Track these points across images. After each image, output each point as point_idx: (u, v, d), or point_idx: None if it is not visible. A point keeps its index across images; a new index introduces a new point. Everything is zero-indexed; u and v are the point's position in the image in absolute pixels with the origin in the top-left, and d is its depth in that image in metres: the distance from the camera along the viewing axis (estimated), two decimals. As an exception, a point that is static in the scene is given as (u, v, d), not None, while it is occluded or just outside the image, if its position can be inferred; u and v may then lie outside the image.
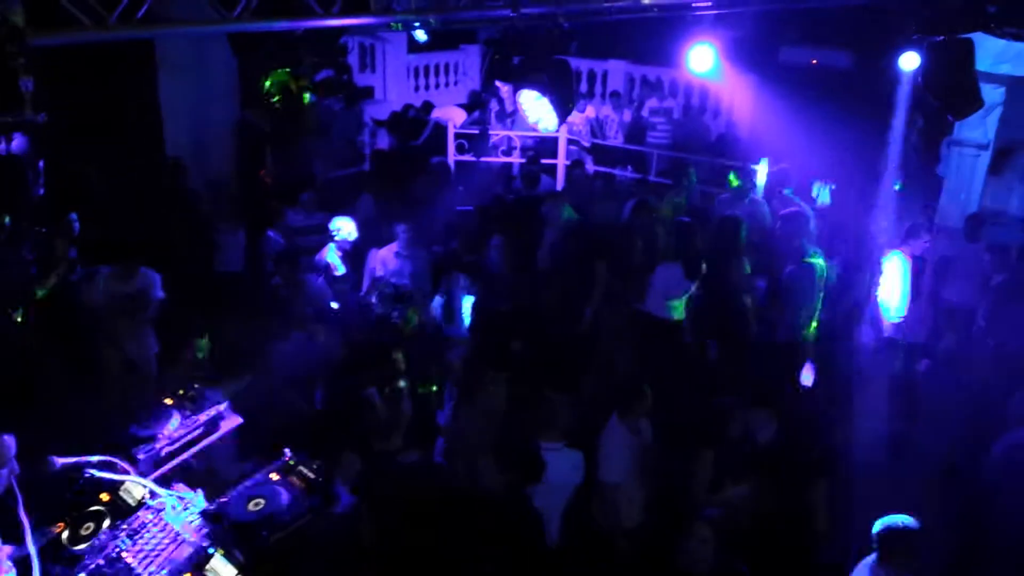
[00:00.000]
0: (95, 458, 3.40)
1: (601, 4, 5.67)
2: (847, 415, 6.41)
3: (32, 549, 3.00)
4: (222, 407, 3.82)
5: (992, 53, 8.45)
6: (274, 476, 3.28)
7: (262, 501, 3.15)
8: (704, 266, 7.27)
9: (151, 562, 3.04)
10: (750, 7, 6.93)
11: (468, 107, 15.01)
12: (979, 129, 10.02)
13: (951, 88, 6.13)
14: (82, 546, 3.17)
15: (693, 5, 5.96)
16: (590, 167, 13.21)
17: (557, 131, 11.63)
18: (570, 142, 13.41)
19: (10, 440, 3.41)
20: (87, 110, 8.30)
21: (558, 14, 5.75)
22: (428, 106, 14.24)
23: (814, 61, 13.74)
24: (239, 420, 4.97)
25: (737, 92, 13.81)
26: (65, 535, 3.22)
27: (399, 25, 6.10)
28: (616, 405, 5.55)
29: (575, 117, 13.84)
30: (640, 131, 13.63)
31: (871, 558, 4.61)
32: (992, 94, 9.62)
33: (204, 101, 10.44)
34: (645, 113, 13.82)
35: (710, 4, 6.00)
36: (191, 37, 8.31)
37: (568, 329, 7.60)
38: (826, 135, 10.17)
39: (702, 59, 8.12)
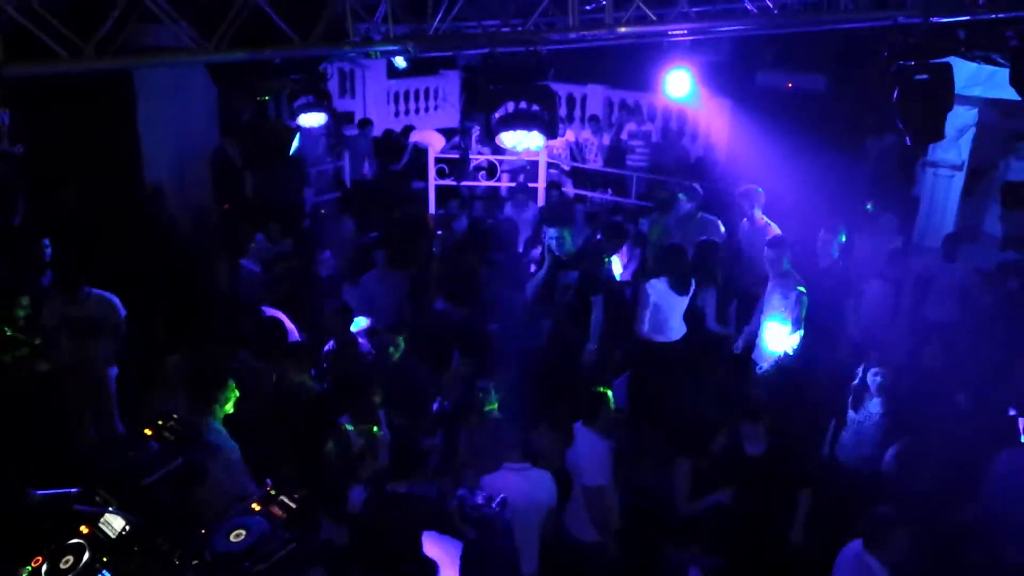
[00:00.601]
0: (74, 490, 3.37)
1: (578, 32, 5.73)
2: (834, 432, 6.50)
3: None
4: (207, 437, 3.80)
5: (964, 76, 8.60)
6: (256, 507, 3.25)
7: (243, 532, 3.13)
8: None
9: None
10: (724, 34, 7.02)
11: (447, 131, 15.09)
12: (953, 150, 10.19)
13: (918, 114, 6.23)
14: (61, 580, 3.13)
15: (669, 33, 6.03)
16: (569, 190, 13.28)
17: (538, 154, 11.77)
18: (550, 166, 13.49)
19: None
20: (66, 138, 8.27)
21: (534, 41, 5.82)
22: (407, 130, 14.30)
23: (789, 84, 13.94)
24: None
25: (714, 116, 13.96)
26: (44, 569, 3.18)
27: (377, 53, 6.13)
28: (580, 412, 5.57)
29: (555, 140, 13.95)
30: (619, 154, 13.72)
31: (857, 543, 4.67)
32: (965, 116, 9.79)
33: (184, 129, 10.42)
34: (624, 136, 13.93)
35: (685, 32, 6.07)
36: (168, 67, 8.30)
37: (568, 361, 7.59)
38: (802, 157, 10.29)
39: (679, 83, 8.22)
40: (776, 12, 5.92)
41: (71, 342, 6.66)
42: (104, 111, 8.93)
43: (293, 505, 3.26)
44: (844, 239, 7.88)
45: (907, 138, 6.42)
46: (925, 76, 6.18)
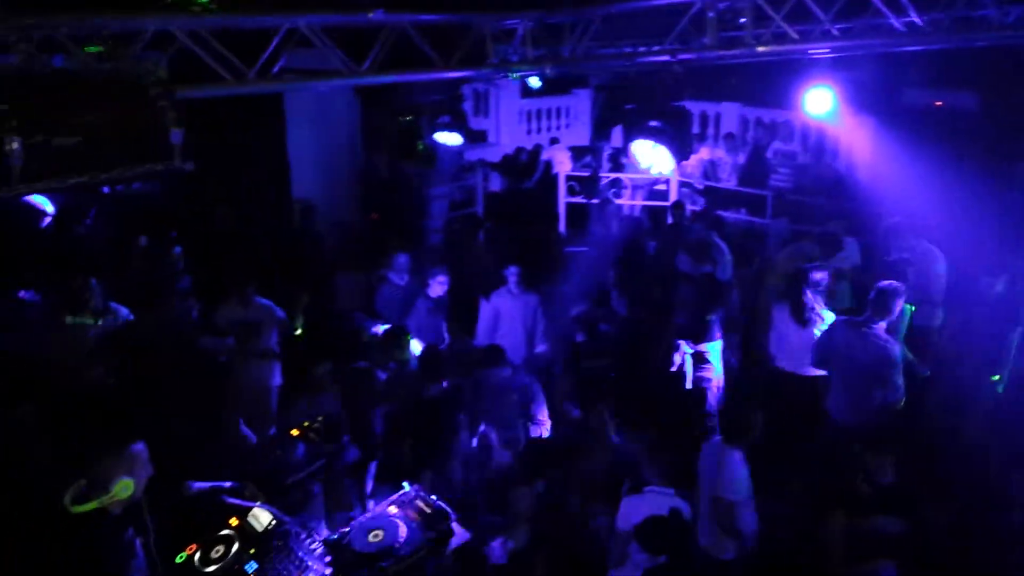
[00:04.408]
0: (227, 484, 3.60)
1: (716, 51, 5.69)
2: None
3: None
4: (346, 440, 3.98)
5: None
6: (393, 509, 3.39)
7: (381, 533, 3.27)
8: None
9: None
10: (868, 51, 6.78)
11: (577, 151, 15.17)
12: (1120, 171, 9.51)
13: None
14: (211, 568, 3.34)
15: (809, 52, 5.90)
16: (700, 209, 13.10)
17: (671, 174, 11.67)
18: (683, 184, 13.35)
19: (142, 448, 3.67)
20: (223, 158, 8.78)
21: (672, 61, 5.82)
22: (538, 149, 14.50)
23: (938, 103, 13.30)
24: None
25: (856, 135, 13.45)
26: (197, 556, 3.40)
27: (515, 74, 6.28)
28: (723, 430, 5.49)
29: (688, 159, 13.76)
30: (760, 173, 13.35)
31: None
32: None
33: (329, 148, 10.94)
34: (770, 155, 13.56)
35: (827, 49, 5.92)
36: (323, 90, 8.70)
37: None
38: (951, 180, 9.79)
39: (820, 101, 7.99)
40: (925, 28, 5.70)
41: (237, 344, 7.06)
42: (257, 132, 9.46)
43: (428, 510, 3.38)
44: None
45: None
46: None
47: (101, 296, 6.52)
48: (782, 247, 9.52)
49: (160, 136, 3.88)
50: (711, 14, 5.62)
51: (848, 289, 8.14)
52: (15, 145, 3.39)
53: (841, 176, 13.44)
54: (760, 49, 5.65)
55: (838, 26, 5.83)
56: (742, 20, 5.91)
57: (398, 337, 6.41)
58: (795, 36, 5.60)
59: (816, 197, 11.77)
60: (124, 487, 3.52)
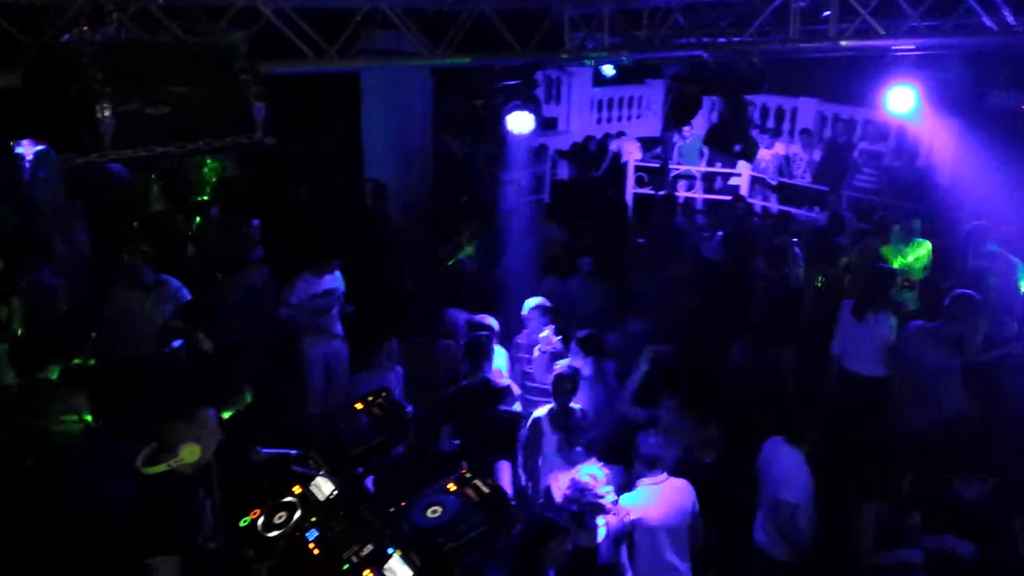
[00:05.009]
0: (293, 452, 3.69)
1: (796, 44, 5.59)
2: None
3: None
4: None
5: None
6: (451, 487, 3.42)
7: (439, 509, 3.30)
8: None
9: (335, 554, 3.25)
10: (956, 50, 6.58)
11: (647, 141, 15.04)
12: None
13: None
14: (273, 533, 3.43)
15: (893, 48, 5.74)
16: (773, 206, 12.88)
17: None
18: (755, 180, 13.14)
19: (212, 414, 3.80)
20: (299, 134, 8.94)
21: (752, 53, 5.74)
22: (607, 138, 14.42)
23: (1024, 107, 12.79)
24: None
25: (938, 136, 13.02)
26: (260, 521, 3.50)
27: (591, 61, 6.27)
28: (785, 428, 5.41)
29: (762, 153, 13.53)
30: (837, 171, 13.03)
31: None
32: None
33: (402, 129, 11.04)
34: (856, 155, 13.21)
35: (913, 47, 5.75)
36: (401, 69, 8.78)
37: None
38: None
39: (902, 100, 7.78)
40: (1018, 29, 5.50)
41: (311, 317, 7.21)
42: (332, 110, 9.59)
43: (486, 490, 3.39)
44: None
45: None
46: None
47: (151, 270, 6.73)
48: (852, 245, 9.33)
49: (244, 109, 3.98)
50: (795, 5, 5.51)
51: (915, 293, 7.96)
52: (107, 112, 3.52)
53: (922, 177, 13.04)
54: (843, 44, 5.52)
55: (927, 23, 5.67)
56: (825, 13, 5.80)
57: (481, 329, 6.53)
58: (881, 31, 5.46)
59: (895, 199, 11.48)
60: (191, 451, 3.66)
